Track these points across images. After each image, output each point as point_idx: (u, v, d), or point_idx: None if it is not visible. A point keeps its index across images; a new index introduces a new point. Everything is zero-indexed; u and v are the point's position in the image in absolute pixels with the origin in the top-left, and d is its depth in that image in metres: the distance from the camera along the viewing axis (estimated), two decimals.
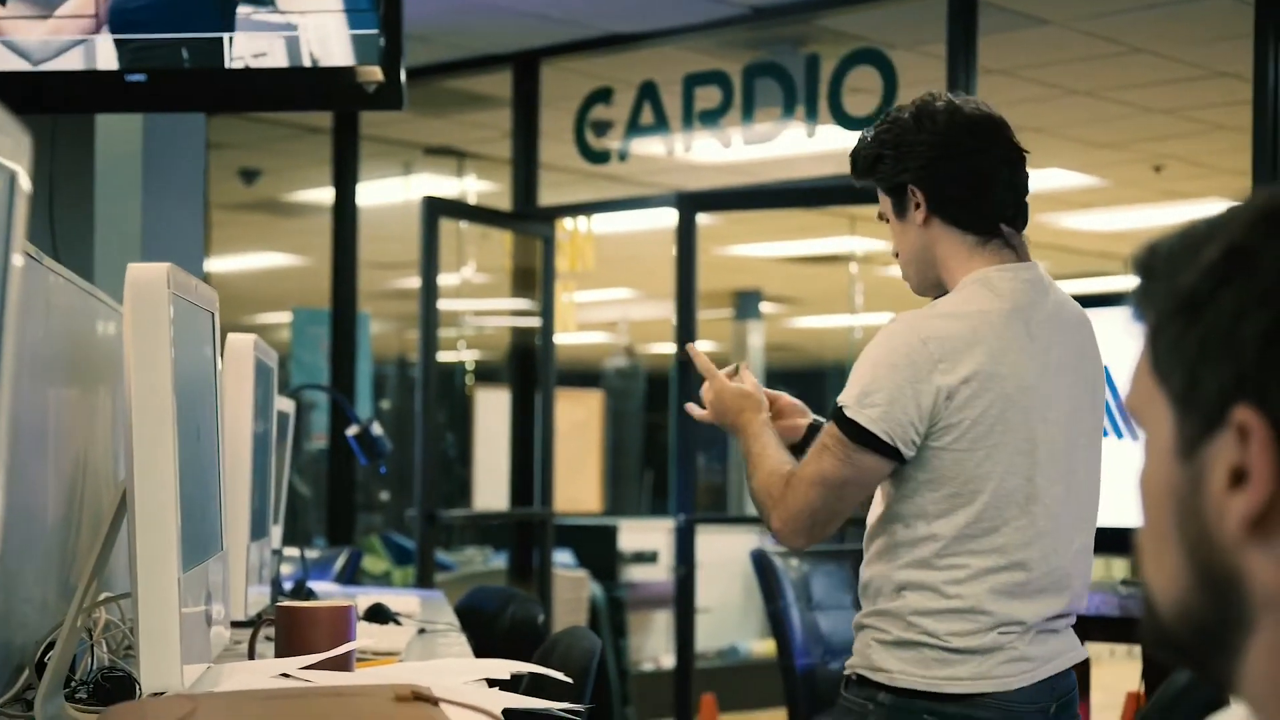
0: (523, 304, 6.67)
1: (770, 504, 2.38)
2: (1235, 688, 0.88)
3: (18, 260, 0.99)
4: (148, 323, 1.56)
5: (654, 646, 8.95)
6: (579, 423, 9.74)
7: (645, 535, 9.03)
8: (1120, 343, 3.59)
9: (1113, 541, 4.06)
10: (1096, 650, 4.02)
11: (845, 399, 2.31)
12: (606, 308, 13.05)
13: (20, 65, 3.01)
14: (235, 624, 2.31)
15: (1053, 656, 2.38)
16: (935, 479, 2.33)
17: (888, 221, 2.47)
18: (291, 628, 2.08)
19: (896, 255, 2.48)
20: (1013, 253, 2.41)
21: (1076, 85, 6.94)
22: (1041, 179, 8.88)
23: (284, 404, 3.14)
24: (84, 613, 1.73)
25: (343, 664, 2.02)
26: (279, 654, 2.09)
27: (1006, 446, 2.32)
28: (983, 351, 2.31)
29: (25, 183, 0.99)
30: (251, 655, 2.18)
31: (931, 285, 2.45)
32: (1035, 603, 2.36)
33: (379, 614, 2.83)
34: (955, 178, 2.40)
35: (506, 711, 1.70)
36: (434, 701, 1.33)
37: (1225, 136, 7.40)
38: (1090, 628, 3.90)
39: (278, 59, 3.04)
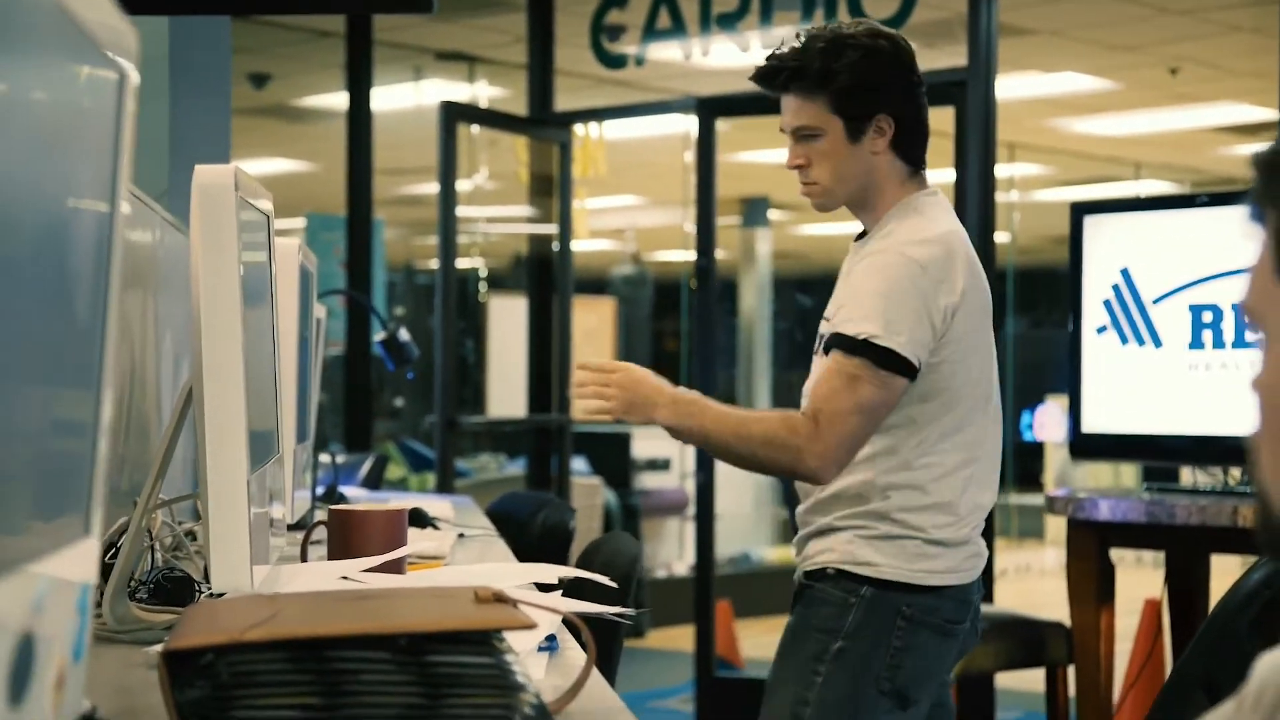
0: (537, 211, 6.64)
1: (794, 450, 2.43)
2: None
3: (127, 162, 0.98)
4: (215, 226, 1.55)
5: (667, 553, 9.02)
6: (591, 330, 9.74)
7: (657, 443, 9.07)
8: (1132, 249, 3.57)
9: (1137, 447, 4.09)
10: (1119, 556, 4.03)
11: (869, 330, 2.43)
12: (614, 214, 13.01)
13: None
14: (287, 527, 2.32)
15: (984, 550, 2.63)
16: (929, 390, 2.50)
17: (807, 138, 2.54)
18: (346, 532, 2.09)
19: (800, 168, 2.56)
20: (924, 179, 2.61)
21: None
22: (1055, 83, 8.81)
23: (318, 309, 3.14)
24: (146, 514, 1.74)
25: (396, 567, 2.04)
26: (332, 557, 2.10)
27: (980, 351, 2.54)
28: (965, 267, 2.50)
29: (135, 79, 0.98)
30: (304, 559, 2.19)
31: (854, 206, 2.61)
32: (989, 491, 2.59)
33: (418, 519, 2.84)
34: (919, 114, 2.57)
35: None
36: (513, 603, 1.33)
37: (1243, 38, 7.33)
38: (1113, 534, 3.92)
39: None
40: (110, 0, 0.92)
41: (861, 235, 2.63)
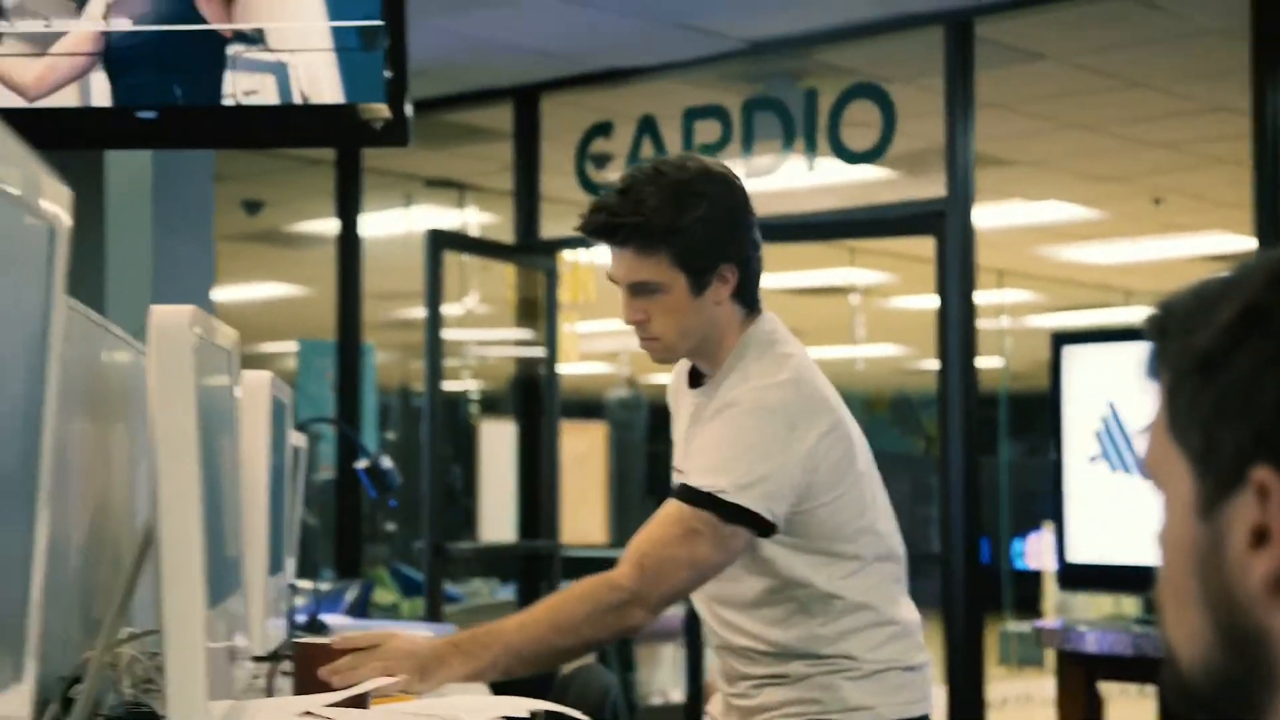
0: (526, 335, 6.69)
1: (621, 606, 2.25)
2: None
3: (60, 307, 1.02)
4: (171, 365, 1.58)
5: (662, 680, 8.93)
6: (582, 455, 9.75)
7: None
8: (1118, 378, 3.52)
9: (1124, 578, 4.09)
10: (1109, 690, 4.01)
11: (716, 483, 2.25)
12: (608, 338, 13.06)
13: (16, 102, 3.03)
14: (254, 659, 2.32)
15: None
16: (818, 535, 2.33)
17: (648, 292, 2.33)
18: (310, 665, 2.09)
19: (640, 323, 2.36)
20: (758, 309, 2.42)
21: (1074, 119, 6.99)
22: (1040, 212, 8.92)
23: (297, 438, 3.16)
24: (109, 649, 1.76)
25: (360, 701, 2.04)
26: (297, 691, 2.11)
27: (861, 475, 2.37)
28: (821, 402, 2.34)
29: (65, 233, 1.02)
30: (270, 692, 2.20)
31: (694, 355, 2.42)
32: (916, 612, 2.46)
33: None
34: (758, 255, 2.39)
35: None
36: None
37: (1224, 170, 7.44)
38: (1103, 667, 3.90)
39: (268, 96, 3.07)
40: (37, 160, 0.96)
41: (696, 381, 2.46)
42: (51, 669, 1.89)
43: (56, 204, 1.01)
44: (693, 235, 2.30)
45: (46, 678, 1.88)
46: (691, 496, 2.26)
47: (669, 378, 2.60)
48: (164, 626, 1.59)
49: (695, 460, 2.30)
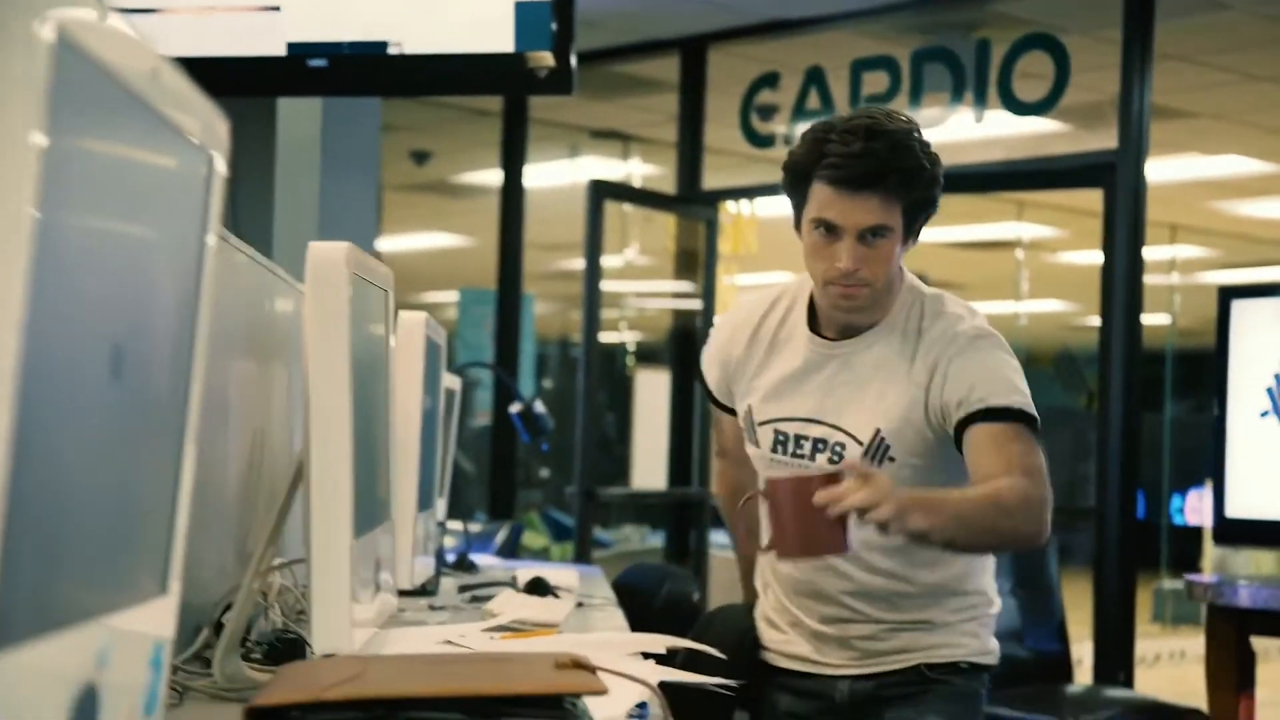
0: (685, 286, 6.71)
1: (1040, 507, 2.29)
2: None
3: (211, 240, 1.05)
4: (327, 300, 1.62)
5: None
6: None
7: None
8: (1276, 331, 3.42)
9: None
10: (1263, 646, 3.94)
11: (1019, 401, 2.34)
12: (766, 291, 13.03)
13: (190, 50, 3.10)
14: (401, 593, 2.38)
15: None
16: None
17: (875, 237, 2.33)
18: (801, 495, 2.16)
19: (851, 271, 2.33)
20: None
21: (1257, 71, 6.78)
22: (1219, 165, 8.68)
23: (451, 381, 3.21)
24: (259, 577, 1.81)
25: (839, 534, 2.17)
26: (771, 524, 2.24)
27: None
28: None
29: (222, 166, 1.05)
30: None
31: (873, 303, 2.42)
32: None
33: (539, 587, 2.88)
34: None
35: (661, 684, 1.74)
36: (592, 670, 1.37)
37: None
38: (1255, 622, 3.83)
39: (435, 45, 3.10)
40: (202, 95, 0.99)
41: (818, 333, 2.47)
42: (207, 596, 1.96)
43: (215, 138, 1.04)
44: (936, 186, 2.37)
45: (202, 604, 1.94)
46: (1008, 415, 2.34)
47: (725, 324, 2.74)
48: (310, 554, 1.63)
49: (986, 387, 2.35)
